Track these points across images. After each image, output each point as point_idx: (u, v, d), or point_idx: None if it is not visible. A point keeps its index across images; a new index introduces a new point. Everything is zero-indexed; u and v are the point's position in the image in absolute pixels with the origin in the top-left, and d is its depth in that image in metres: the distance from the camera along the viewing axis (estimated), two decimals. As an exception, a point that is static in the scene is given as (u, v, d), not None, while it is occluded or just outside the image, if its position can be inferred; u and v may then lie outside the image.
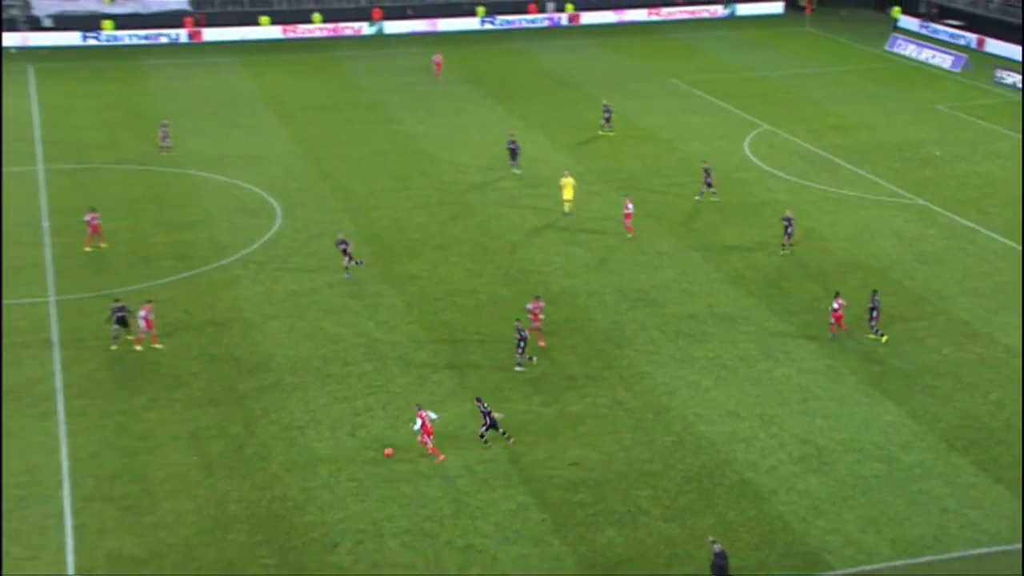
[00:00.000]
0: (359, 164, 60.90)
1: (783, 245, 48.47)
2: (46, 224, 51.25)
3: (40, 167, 59.64)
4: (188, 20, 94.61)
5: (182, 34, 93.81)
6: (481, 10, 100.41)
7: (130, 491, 31.84)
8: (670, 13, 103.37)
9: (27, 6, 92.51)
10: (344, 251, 45.83)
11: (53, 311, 42.76)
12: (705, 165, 55.75)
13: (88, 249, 48.11)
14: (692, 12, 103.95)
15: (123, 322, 39.48)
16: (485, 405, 34.21)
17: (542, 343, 40.24)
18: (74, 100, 74.01)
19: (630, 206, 50.36)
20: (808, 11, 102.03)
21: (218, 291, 44.62)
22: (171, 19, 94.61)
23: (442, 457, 33.42)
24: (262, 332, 41.44)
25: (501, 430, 34.18)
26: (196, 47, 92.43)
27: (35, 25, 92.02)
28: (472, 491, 32.12)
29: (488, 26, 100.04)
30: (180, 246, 49.05)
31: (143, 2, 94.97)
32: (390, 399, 36.76)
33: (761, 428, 35.35)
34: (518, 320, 39.61)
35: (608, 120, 66.33)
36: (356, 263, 46.12)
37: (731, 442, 34.58)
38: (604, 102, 68.21)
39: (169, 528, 30.32)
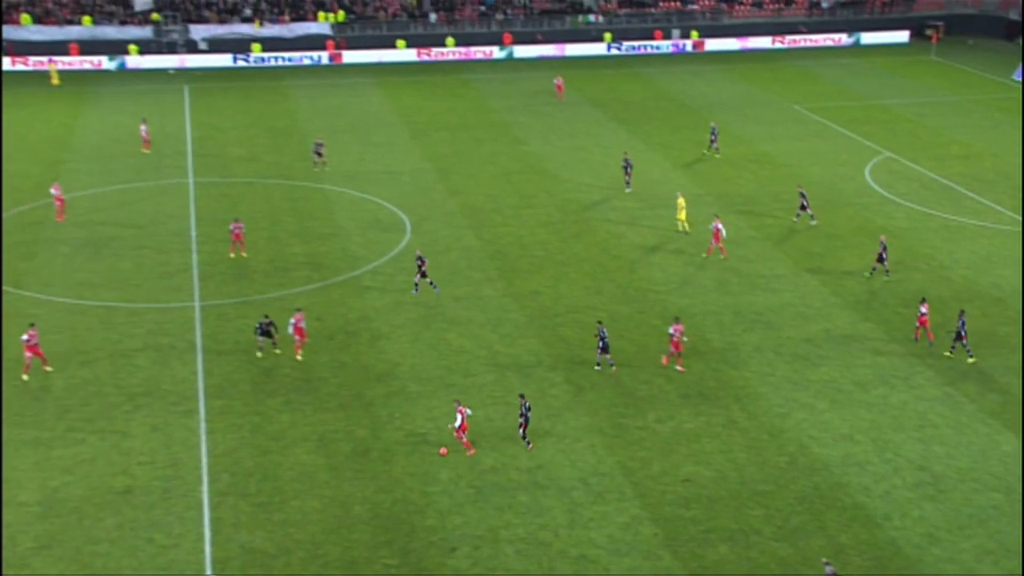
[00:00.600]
0: (486, 182, 61.31)
1: (874, 270, 47.38)
2: (194, 233, 52.76)
3: (190, 179, 61.47)
4: (330, 43, 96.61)
5: (323, 56, 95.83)
6: (608, 36, 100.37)
7: (262, 488, 32.51)
8: (794, 41, 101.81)
9: (186, 31, 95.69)
10: (419, 268, 45.82)
11: (198, 316, 43.94)
12: (800, 189, 54.88)
13: (232, 256, 49.42)
14: (816, 40, 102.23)
15: (268, 334, 40.35)
16: (527, 404, 34.43)
17: (680, 367, 39.35)
18: (223, 117, 76.14)
19: (721, 227, 49.76)
20: (934, 40, 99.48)
21: (349, 301, 45.33)
22: (314, 42, 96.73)
23: (473, 451, 33.94)
24: (389, 341, 41.94)
25: (526, 438, 34.53)
26: (336, 68, 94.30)
27: (192, 48, 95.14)
28: (586, 503, 31.98)
29: (614, 51, 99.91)
30: (315, 257, 49.99)
31: (289, 26, 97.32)
32: (509, 410, 36.82)
33: (875, 453, 34.45)
34: (600, 322, 39.76)
35: (714, 142, 66.00)
36: (431, 284, 45.91)
37: (845, 465, 33.77)
38: (712, 124, 68.03)
39: (297, 525, 30.86)
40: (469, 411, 34.18)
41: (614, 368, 38.89)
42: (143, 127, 67.30)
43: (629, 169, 59.31)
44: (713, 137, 66.29)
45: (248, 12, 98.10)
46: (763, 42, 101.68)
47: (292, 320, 40.17)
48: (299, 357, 40.13)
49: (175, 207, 56.56)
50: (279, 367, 39.68)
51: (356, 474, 33.26)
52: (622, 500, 32.12)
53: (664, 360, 39.74)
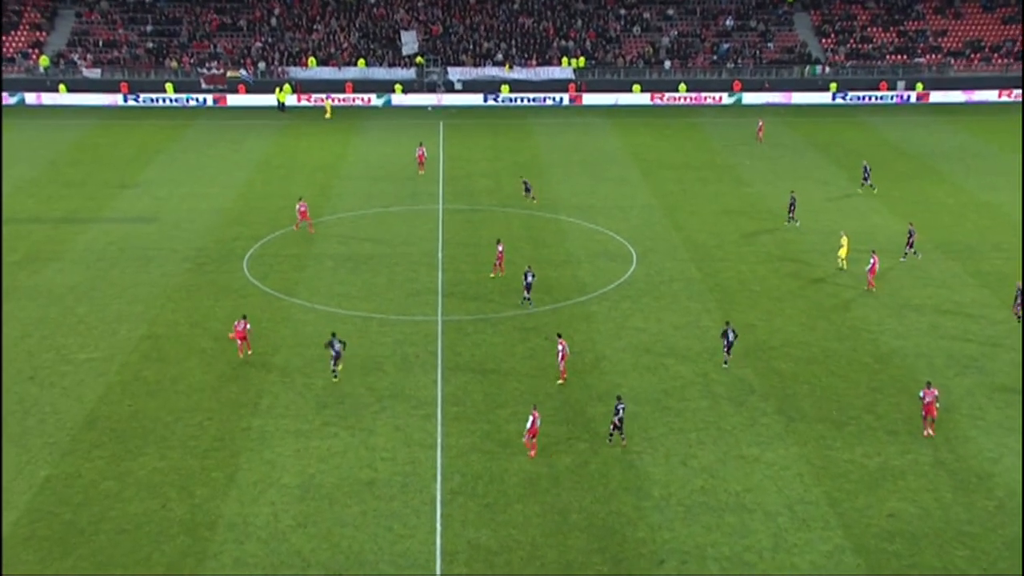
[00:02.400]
0: (709, 219, 60.40)
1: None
2: (440, 255, 54.25)
3: (440, 205, 63.32)
4: (571, 86, 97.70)
5: (565, 98, 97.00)
6: (833, 86, 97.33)
7: (489, 490, 32.93)
8: (1020, 96, 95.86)
9: (444, 73, 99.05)
10: (526, 282, 46.58)
11: (440, 329, 45.09)
12: (910, 226, 53.79)
13: (492, 276, 50.48)
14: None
15: (338, 355, 39.44)
16: (621, 408, 34.46)
17: (930, 432, 35.94)
18: (472, 150, 78.13)
19: (875, 261, 48.49)
20: None
21: (577, 323, 45.48)
22: (557, 85, 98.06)
23: (533, 453, 34.30)
24: (611, 363, 41.79)
25: (623, 435, 34.99)
26: (575, 109, 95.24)
27: (449, 88, 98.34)
28: (791, 529, 30.86)
29: (839, 100, 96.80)
30: (547, 281, 50.45)
31: (535, 70, 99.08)
32: (720, 435, 36.03)
33: (1089, 505, 31.77)
34: (728, 321, 41.74)
35: (867, 179, 65.46)
36: (526, 298, 46.43)
37: (1056, 515, 31.29)
38: (864, 162, 67.08)
39: (519, 527, 31.08)
40: (539, 422, 34.26)
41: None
42: (421, 149, 71.13)
43: (793, 206, 59.06)
44: (866, 175, 65.57)
45: (500, 57, 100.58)
46: (989, 95, 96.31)
47: (560, 347, 39.54)
48: (559, 382, 40.20)
49: (426, 230, 58.33)
50: (509, 381, 40.17)
51: (575, 484, 33.24)
52: (826, 529, 30.82)
53: (927, 432, 35.90)
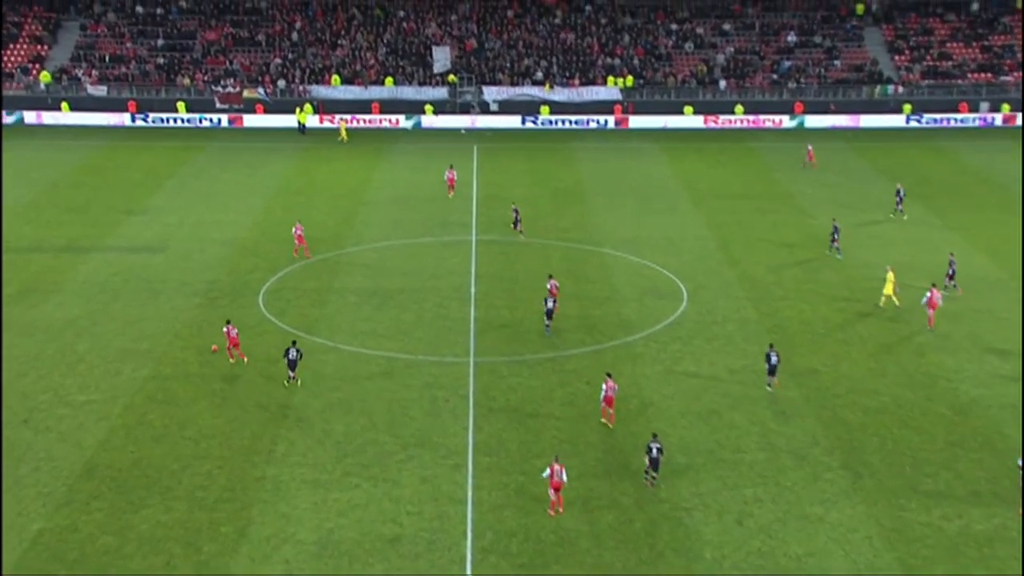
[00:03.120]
0: (768, 253, 60.24)
1: None
2: (473, 290, 54.44)
3: (473, 236, 63.62)
4: (618, 108, 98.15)
5: (610, 120, 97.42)
6: (907, 107, 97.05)
7: (524, 549, 32.81)
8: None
9: (479, 92, 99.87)
10: (548, 309, 48.30)
11: (472, 371, 45.17)
12: (951, 256, 54.94)
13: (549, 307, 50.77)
14: None
15: (293, 364, 43.28)
16: (655, 448, 35.55)
17: None
18: (508, 177, 78.53)
19: (936, 295, 48.55)
20: None
21: (621, 366, 45.38)
22: (602, 107, 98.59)
23: (552, 511, 34.39)
24: (658, 410, 41.64)
25: (655, 476, 35.81)
26: (621, 133, 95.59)
27: (484, 109, 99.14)
28: (859, 598, 30.48)
29: (913, 123, 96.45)
30: (589, 319, 50.44)
31: (578, 90, 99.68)
32: (780, 492, 35.72)
33: None
34: (772, 344, 43.14)
35: (900, 204, 66.91)
36: (546, 324, 48.51)
37: None
38: (898, 185, 68.41)
39: (556, 590, 30.95)
40: (564, 476, 34.24)
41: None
42: (451, 172, 72.86)
43: (836, 235, 59.58)
44: (899, 199, 66.94)
45: (540, 75, 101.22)
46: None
47: (606, 386, 40.35)
48: (603, 420, 40.37)
49: (457, 262, 58.61)
50: (546, 429, 40.12)
51: (618, 544, 33.05)
52: (899, 600, 30.43)
53: None
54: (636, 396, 42.76)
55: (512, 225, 63.63)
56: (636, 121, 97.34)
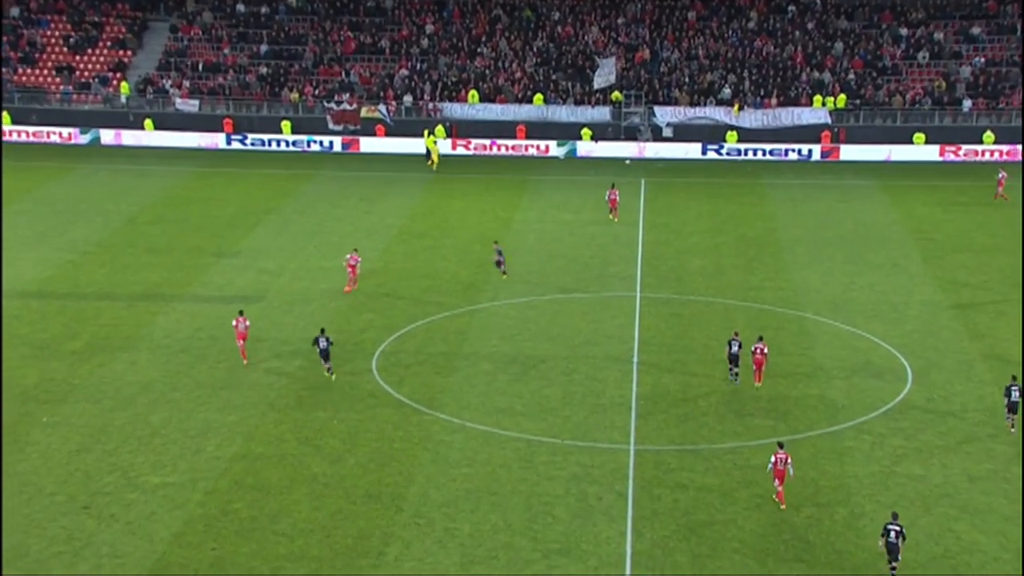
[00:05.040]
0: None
1: None
2: (635, 359, 54.35)
3: (638, 293, 63.62)
4: (826, 134, 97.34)
5: (815, 150, 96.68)
6: None
7: None
8: None
9: (649, 113, 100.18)
10: (731, 352, 49.49)
11: (632, 462, 44.96)
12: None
13: (737, 383, 51.05)
14: None
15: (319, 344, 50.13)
16: (895, 529, 36.13)
17: None
18: (683, 219, 78.42)
19: None
20: None
21: (823, 463, 44.60)
22: (805, 133, 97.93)
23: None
24: (873, 523, 40.60)
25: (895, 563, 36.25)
26: (829, 166, 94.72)
27: (655, 134, 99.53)
28: None
29: None
30: (784, 402, 49.80)
31: (775, 112, 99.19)
32: (1033, 635, 34.50)
33: None
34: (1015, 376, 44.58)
35: None
36: (731, 370, 50.40)
37: None
38: None
39: None
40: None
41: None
42: (613, 192, 75.60)
43: None
44: None
45: (726, 93, 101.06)
46: None
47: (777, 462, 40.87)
48: (776, 498, 39.89)
49: (616, 325, 58.65)
50: (726, 540, 39.58)
51: None
52: None
53: None
54: (843, 504, 41.92)
55: (496, 265, 65.34)
56: (849, 152, 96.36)
